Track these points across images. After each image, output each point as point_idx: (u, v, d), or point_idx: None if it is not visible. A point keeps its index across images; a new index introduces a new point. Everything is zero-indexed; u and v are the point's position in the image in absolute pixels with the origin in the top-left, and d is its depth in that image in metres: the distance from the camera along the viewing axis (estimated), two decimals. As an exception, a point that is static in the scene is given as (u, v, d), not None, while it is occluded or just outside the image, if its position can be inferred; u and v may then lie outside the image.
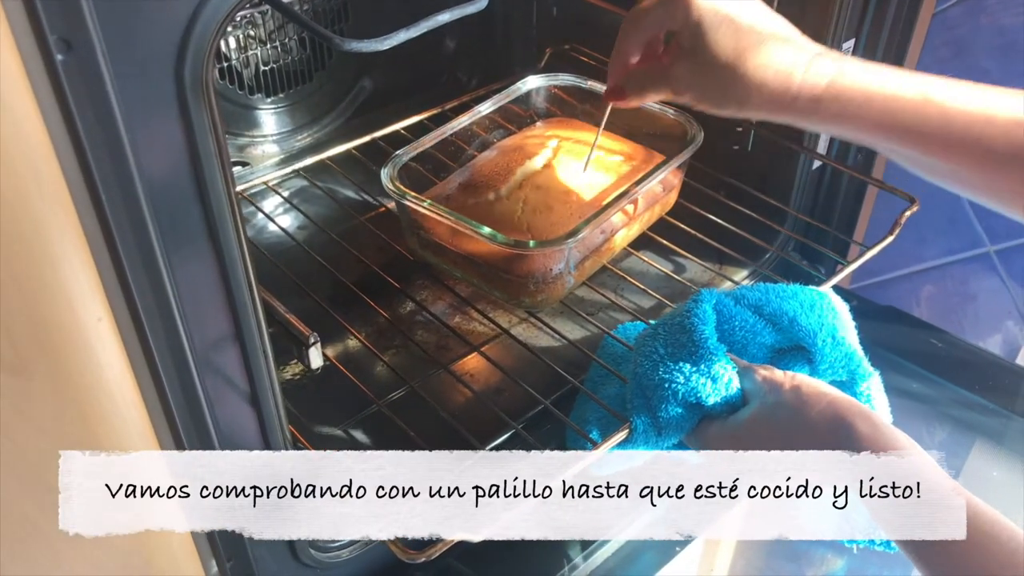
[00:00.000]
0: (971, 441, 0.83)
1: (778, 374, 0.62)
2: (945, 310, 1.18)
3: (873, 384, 0.69)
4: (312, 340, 0.57)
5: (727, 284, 0.87)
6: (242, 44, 0.97)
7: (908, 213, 0.81)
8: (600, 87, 0.88)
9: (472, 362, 0.80)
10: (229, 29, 0.95)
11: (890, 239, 0.81)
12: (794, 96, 0.55)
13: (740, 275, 0.90)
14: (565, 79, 0.90)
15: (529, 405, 0.74)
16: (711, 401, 0.62)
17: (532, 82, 0.89)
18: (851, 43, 0.84)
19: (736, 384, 0.63)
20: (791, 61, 0.55)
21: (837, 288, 0.81)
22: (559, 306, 0.81)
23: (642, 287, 0.83)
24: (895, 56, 0.87)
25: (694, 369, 0.62)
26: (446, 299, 0.85)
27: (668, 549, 0.75)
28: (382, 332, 0.83)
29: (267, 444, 0.56)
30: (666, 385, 0.63)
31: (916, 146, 0.55)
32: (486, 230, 0.69)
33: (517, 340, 0.77)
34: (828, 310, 0.69)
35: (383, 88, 1.10)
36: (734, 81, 0.56)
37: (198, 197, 0.43)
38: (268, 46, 0.99)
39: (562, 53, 1.10)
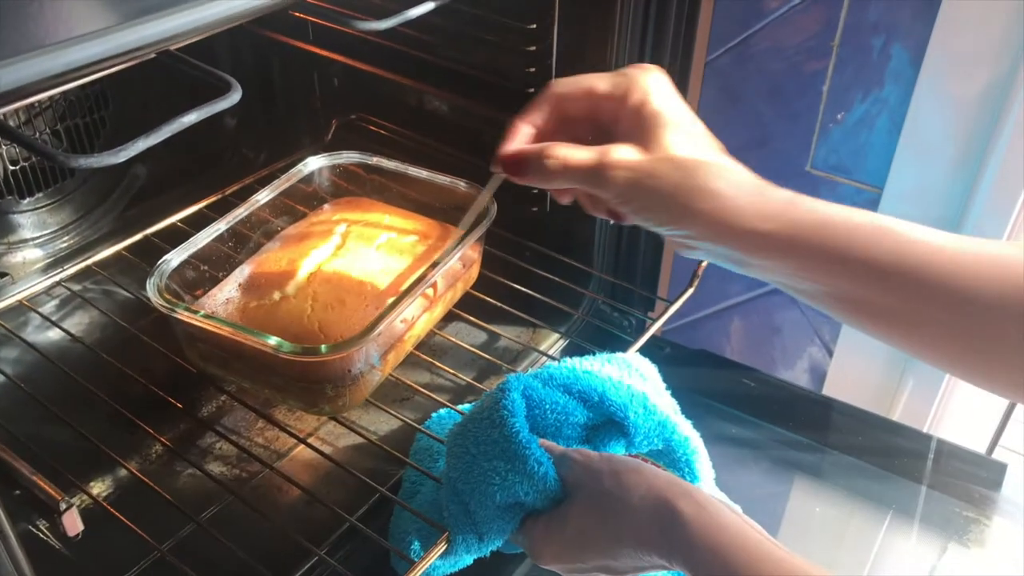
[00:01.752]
0: (790, 479, 0.85)
1: (595, 459, 0.60)
2: (755, 343, 1.22)
3: (691, 446, 0.68)
4: (64, 507, 0.49)
5: (537, 355, 0.85)
6: (-18, 144, 0.87)
7: (704, 264, 0.82)
8: (386, 163, 0.84)
9: (276, 477, 0.73)
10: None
11: (690, 291, 0.81)
12: (751, 216, 0.49)
13: (550, 341, 0.88)
14: (349, 156, 0.85)
15: (342, 520, 0.68)
16: (531, 498, 0.59)
17: (314, 163, 0.84)
18: (632, 99, 0.85)
19: (554, 476, 0.60)
20: (748, 178, 0.50)
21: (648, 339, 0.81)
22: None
23: (452, 371, 0.79)
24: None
25: (509, 467, 0.59)
26: (243, 407, 0.78)
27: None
28: (171, 456, 0.75)
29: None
30: (482, 488, 0.59)
31: (873, 285, 0.48)
32: (272, 340, 0.63)
33: (317, 450, 0.71)
34: (636, 378, 0.67)
35: (160, 173, 1.02)
36: (689, 197, 0.49)
37: None
38: (14, 143, 0.88)
39: (350, 124, 1.06)
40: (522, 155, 0.54)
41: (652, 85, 0.53)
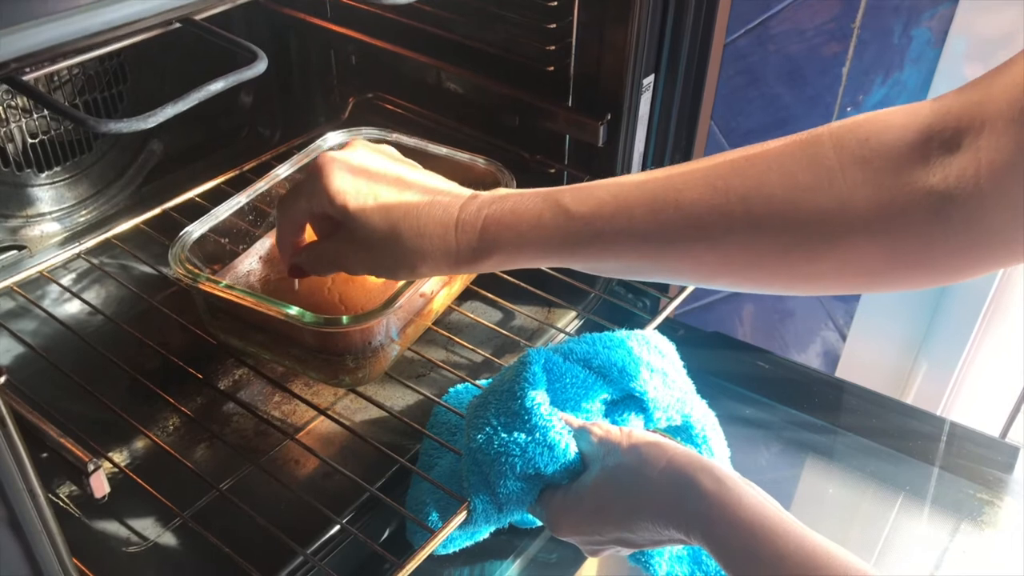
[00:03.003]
0: (803, 460, 0.85)
1: (614, 432, 0.60)
2: (767, 327, 1.22)
3: (707, 423, 0.68)
4: (92, 467, 0.49)
5: (553, 332, 0.85)
6: (2, 116, 0.87)
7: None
8: (406, 139, 0.84)
9: (297, 446, 0.74)
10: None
11: (708, 272, 0.81)
12: (456, 253, 0.55)
13: (567, 319, 0.88)
14: (368, 132, 0.85)
15: (360, 490, 0.68)
16: (550, 470, 0.59)
17: (333, 138, 0.84)
18: (651, 78, 0.85)
19: (574, 449, 0.60)
20: (444, 220, 0.55)
21: (664, 319, 0.81)
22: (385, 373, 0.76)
23: (470, 346, 0.80)
24: (694, 87, 0.88)
25: (530, 439, 0.59)
26: (261, 379, 0.78)
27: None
28: (192, 425, 0.75)
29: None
30: (503, 459, 0.59)
31: (581, 260, 0.54)
32: (293, 310, 0.64)
33: (337, 421, 0.71)
34: (655, 355, 0.68)
35: (176, 149, 1.02)
36: (395, 254, 0.56)
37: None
38: (34, 116, 0.89)
39: (366, 102, 1.06)
40: (295, 266, 0.63)
41: (330, 186, 0.56)
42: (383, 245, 0.56)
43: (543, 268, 0.83)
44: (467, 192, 0.57)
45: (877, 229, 0.45)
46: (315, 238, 0.63)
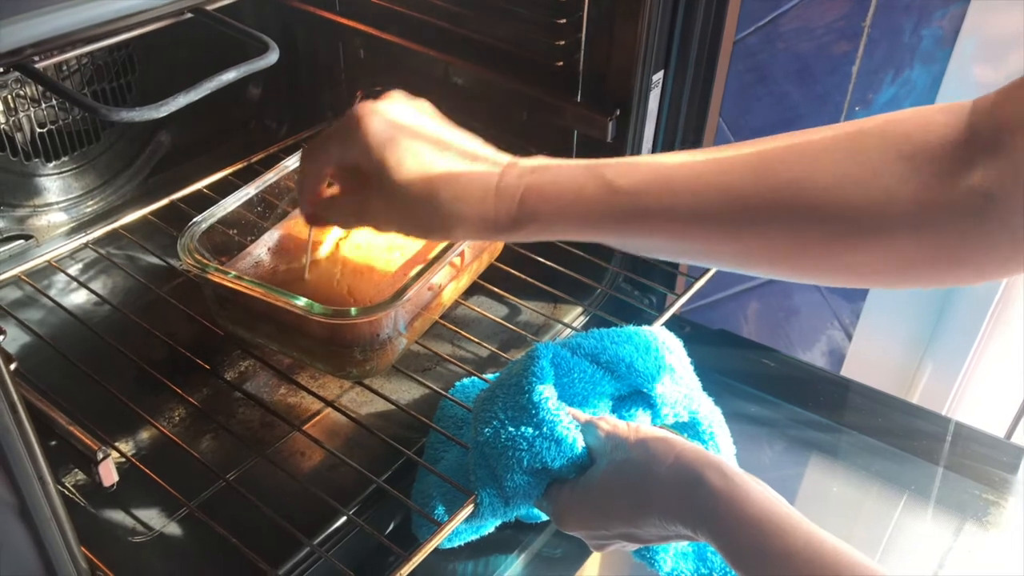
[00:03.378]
0: (807, 458, 0.85)
1: (621, 427, 0.60)
2: (772, 325, 1.22)
3: (714, 420, 0.68)
4: (101, 456, 0.49)
5: (560, 327, 0.85)
6: (11, 105, 0.87)
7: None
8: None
9: (302, 438, 0.74)
10: (-7, 89, 0.85)
11: (713, 270, 0.81)
12: (493, 220, 0.53)
13: (573, 314, 0.88)
14: (377, 126, 0.85)
15: (366, 483, 0.69)
16: (557, 465, 0.59)
17: (342, 131, 0.84)
18: (660, 75, 0.85)
19: (581, 443, 0.60)
20: (483, 185, 0.53)
21: (671, 316, 0.81)
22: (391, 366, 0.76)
23: (477, 340, 0.80)
24: (703, 84, 0.88)
25: (537, 433, 0.59)
26: (268, 371, 0.79)
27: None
28: (198, 415, 0.75)
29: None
30: (510, 453, 0.59)
31: (620, 235, 0.53)
32: (301, 301, 0.64)
33: (344, 413, 0.71)
34: (663, 351, 0.68)
35: (184, 141, 1.02)
36: (431, 215, 0.53)
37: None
38: (43, 106, 0.89)
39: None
40: (313, 216, 0.60)
41: (368, 138, 0.54)
42: (418, 205, 0.53)
43: (549, 263, 0.84)
44: (506, 158, 0.55)
45: (920, 224, 0.45)
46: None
